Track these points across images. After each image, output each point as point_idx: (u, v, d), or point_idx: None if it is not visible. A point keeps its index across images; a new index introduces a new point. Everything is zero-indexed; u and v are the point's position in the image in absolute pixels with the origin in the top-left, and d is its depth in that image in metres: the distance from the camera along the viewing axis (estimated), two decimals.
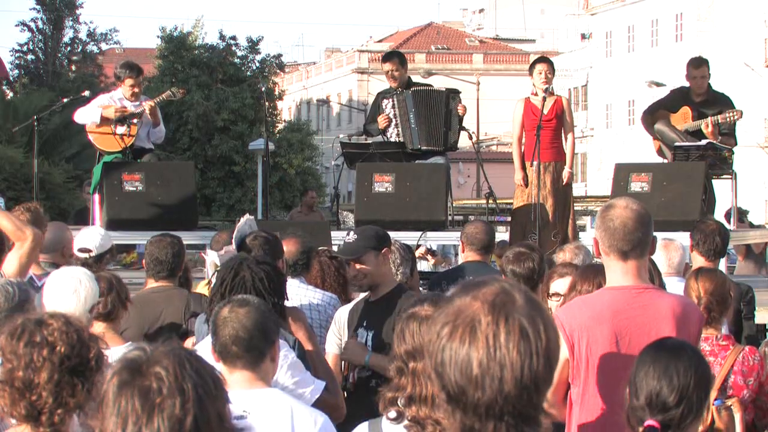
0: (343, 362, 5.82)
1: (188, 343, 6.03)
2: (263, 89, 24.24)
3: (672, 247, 7.09)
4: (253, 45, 44.89)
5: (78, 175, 33.70)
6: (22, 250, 6.19)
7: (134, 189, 10.29)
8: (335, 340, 5.97)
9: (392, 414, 3.24)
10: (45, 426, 3.13)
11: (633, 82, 52.32)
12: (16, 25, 49.70)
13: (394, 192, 10.37)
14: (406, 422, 3.06)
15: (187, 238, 10.43)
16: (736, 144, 10.84)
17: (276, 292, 4.58)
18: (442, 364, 2.24)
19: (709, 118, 10.51)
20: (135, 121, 10.71)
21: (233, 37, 44.74)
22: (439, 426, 2.90)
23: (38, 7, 48.39)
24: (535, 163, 10.18)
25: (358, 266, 5.75)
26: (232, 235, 6.45)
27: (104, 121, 10.66)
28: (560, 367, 4.24)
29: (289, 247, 6.48)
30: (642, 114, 11.27)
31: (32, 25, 48.62)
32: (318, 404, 4.39)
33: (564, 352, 4.24)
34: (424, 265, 11.53)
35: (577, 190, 10.54)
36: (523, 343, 2.20)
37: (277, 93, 45.40)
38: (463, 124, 11.28)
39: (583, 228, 16.15)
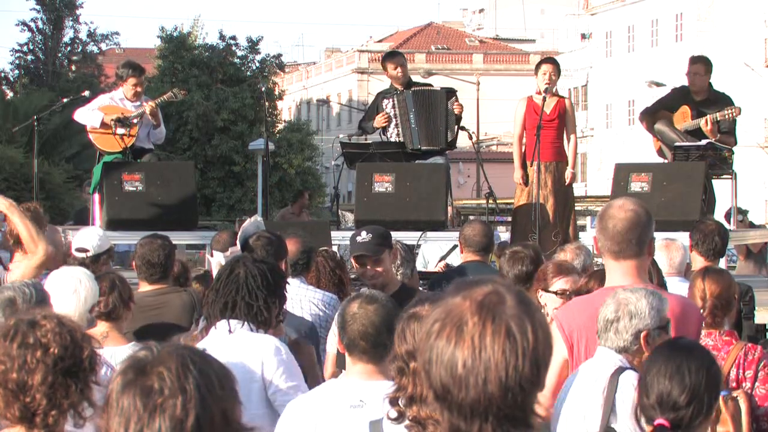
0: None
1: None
2: (263, 89, 24.26)
3: (673, 247, 7.09)
4: (253, 45, 44.90)
5: (78, 175, 33.71)
6: (31, 263, 6.23)
7: (134, 189, 10.28)
8: (334, 340, 5.96)
9: (393, 414, 3.24)
10: (39, 427, 3.13)
11: (633, 82, 52.32)
12: (16, 25, 49.75)
13: (394, 192, 10.37)
14: (407, 422, 3.06)
15: (187, 238, 10.50)
16: (736, 143, 10.83)
17: (269, 290, 4.57)
18: (430, 363, 2.24)
19: (708, 116, 10.50)
20: (135, 121, 10.70)
21: (233, 37, 44.77)
22: (440, 426, 2.90)
23: (38, 7, 48.41)
24: (535, 162, 10.18)
25: (376, 265, 5.79)
26: (232, 235, 6.46)
27: (104, 126, 10.66)
28: (560, 367, 4.25)
29: (289, 247, 6.48)
30: (642, 113, 11.26)
31: (32, 25, 48.67)
32: None
33: (563, 353, 4.24)
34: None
35: (577, 190, 10.57)
36: (508, 344, 2.19)
37: (277, 93, 45.40)
38: (463, 124, 11.28)
39: (583, 228, 16.14)
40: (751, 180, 39.18)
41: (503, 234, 13.84)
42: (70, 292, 5.06)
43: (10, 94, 45.48)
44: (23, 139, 32.90)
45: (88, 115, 10.79)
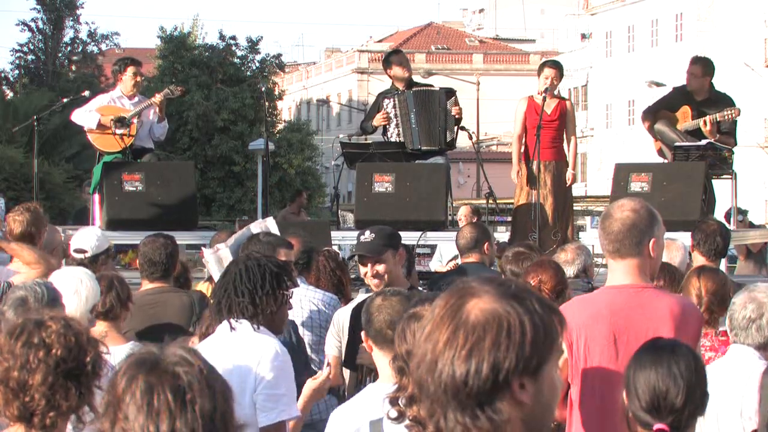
0: (345, 369, 5.81)
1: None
2: (263, 89, 24.24)
3: (673, 247, 7.10)
4: (253, 45, 44.91)
5: (78, 175, 33.72)
6: (36, 273, 6.25)
7: (134, 189, 10.28)
8: (335, 342, 5.96)
9: (393, 414, 3.24)
10: (37, 428, 3.12)
11: (633, 82, 52.32)
12: (16, 25, 49.81)
13: (394, 192, 10.37)
14: (407, 422, 3.06)
15: (187, 238, 10.48)
16: (736, 143, 10.83)
17: (255, 285, 4.56)
18: (423, 360, 2.25)
19: (708, 117, 10.51)
20: (134, 120, 10.70)
21: (233, 37, 44.78)
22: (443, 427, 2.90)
23: (38, 7, 48.43)
24: (535, 162, 10.19)
25: (377, 266, 5.76)
26: (231, 236, 6.46)
27: (101, 127, 10.66)
28: (561, 366, 4.25)
29: None
30: (642, 113, 11.26)
31: (32, 25, 48.69)
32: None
33: (564, 352, 4.25)
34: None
35: (577, 190, 10.55)
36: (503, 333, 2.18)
37: (277, 93, 45.42)
38: (463, 124, 11.28)
39: (582, 228, 16.17)
40: (751, 180, 39.18)
41: (503, 234, 13.83)
42: (71, 292, 5.06)
43: (10, 94, 45.51)
44: (23, 139, 32.91)
45: (85, 117, 10.79)
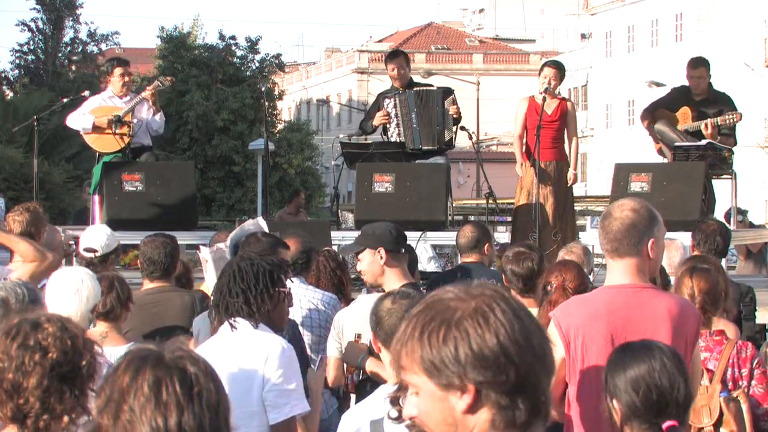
0: (345, 365, 5.81)
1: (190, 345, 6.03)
2: (263, 89, 24.25)
3: (672, 247, 7.10)
4: (253, 45, 44.89)
5: (78, 175, 33.72)
6: (38, 268, 6.24)
7: (134, 189, 10.28)
8: (335, 344, 5.96)
9: (394, 413, 3.23)
10: (30, 430, 3.12)
11: (633, 82, 52.32)
12: (16, 25, 49.77)
13: (394, 192, 10.37)
14: (407, 422, 3.06)
15: (187, 238, 10.47)
16: (735, 144, 10.84)
17: (249, 284, 4.56)
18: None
19: (709, 120, 10.51)
20: (128, 118, 10.69)
21: (233, 37, 44.76)
22: None
23: (38, 7, 48.40)
24: (535, 162, 10.19)
25: (357, 263, 5.83)
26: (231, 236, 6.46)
27: (97, 128, 10.66)
28: (558, 365, 4.26)
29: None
30: (642, 113, 11.26)
31: (32, 25, 48.65)
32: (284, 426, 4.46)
33: (561, 351, 4.25)
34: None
35: (577, 190, 10.55)
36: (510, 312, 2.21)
37: (276, 93, 45.40)
38: (463, 124, 11.28)
39: (582, 228, 16.17)
40: (751, 180, 39.17)
41: (504, 235, 13.82)
42: (72, 292, 5.06)
43: (10, 94, 45.50)
44: (23, 139, 32.92)
45: (79, 120, 10.79)
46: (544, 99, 10.20)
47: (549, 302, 5.40)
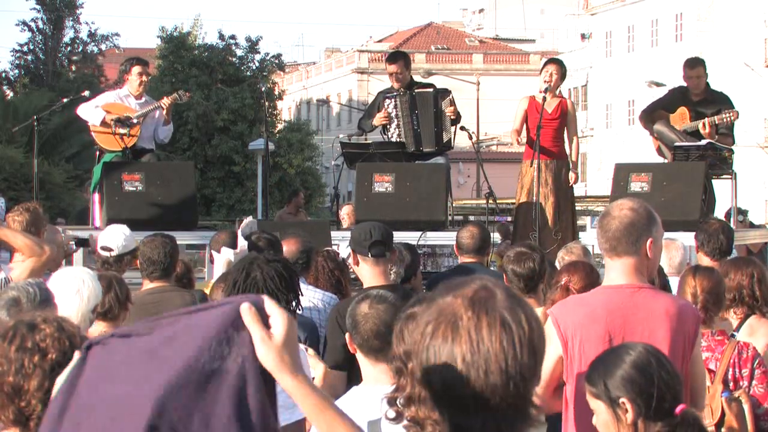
0: None
1: None
2: (263, 89, 24.24)
3: (673, 247, 7.10)
4: (253, 45, 44.89)
5: (78, 175, 33.74)
6: (37, 264, 6.23)
7: (134, 189, 10.28)
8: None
9: (391, 414, 3.23)
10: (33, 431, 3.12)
11: (633, 82, 52.32)
12: (16, 25, 49.82)
13: (394, 192, 10.37)
14: (405, 422, 3.05)
15: (187, 238, 10.48)
16: (734, 143, 10.84)
17: (288, 289, 4.60)
18: (428, 363, 2.25)
19: (707, 119, 10.51)
20: (136, 120, 10.71)
21: (232, 37, 44.75)
22: (438, 426, 2.90)
23: (38, 7, 48.43)
24: (535, 161, 10.19)
25: None
26: (230, 235, 6.47)
27: (105, 125, 10.67)
28: (554, 363, 4.27)
29: (289, 247, 6.49)
30: (640, 113, 11.27)
31: (32, 25, 48.70)
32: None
33: (558, 350, 4.25)
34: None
35: (577, 190, 10.54)
36: (505, 334, 2.21)
37: (277, 93, 45.40)
38: (463, 124, 11.27)
39: (583, 228, 16.17)
40: (751, 180, 39.17)
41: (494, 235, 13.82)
42: (73, 292, 5.05)
43: (10, 94, 45.51)
44: (23, 139, 32.92)
45: (90, 112, 10.79)
46: (544, 98, 10.21)
47: (551, 301, 5.41)
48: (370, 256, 5.81)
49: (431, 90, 11.14)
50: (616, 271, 4.32)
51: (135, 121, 10.68)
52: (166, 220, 9.97)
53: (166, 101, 10.80)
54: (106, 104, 10.80)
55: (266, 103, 37.51)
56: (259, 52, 45.30)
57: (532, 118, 10.34)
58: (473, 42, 75.48)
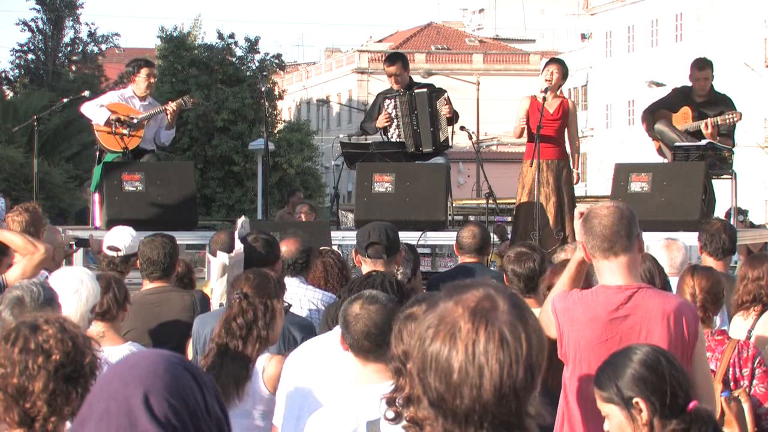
0: None
1: (188, 345, 6.03)
2: (263, 89, 24.23)
3: (674, 247, 7.09)
4: (253, 45, 44.87)
5: (78, 175, 33.72)
6: (31, 262, 6.23)
7: (134, 189, 10.28)
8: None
9: (390, 414, 3.23)
10: None
11: (633, 82, 52.32)
12: (16, 25, 49.80)
13: (394, 192, 10.36)
14: (404, 423, 3.05)
15: (187, 238, 10.48)
16: (734, 145, 10.84)
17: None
18: (424, 369, 2.23)
19: (709, 119, 10.51)
20: (141, 123, 10.70)
21: (232, 36, 44.72)
22: (434, 430, 2.90)
23: (38, 7, 48.41)
24: (535, 161, 10.18)
25: None
26: (230, 236, 6.46)
27: (109, 124, 10.67)
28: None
29: (289, 247, 6.49)
30: (642, 113, 11.26)
31: (32, 25, 48.66)
32: None
33: (551, 332, 4.28)
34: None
35: (577, 190, 10.53)
36: (502, 351, 2.17)
37: (276, 93, 45.38)
38: (463, 124, 11.27)
39: None
40: (751, 180, 39.17)
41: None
42: (72, 292, 5.05)
43: (10, 94, 45.50)
44: (23, 139, 32.90)
45: (94, 111, 10.79)
46: (545, 98, 10.20)
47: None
48: (367, 256, 5.82)
49: (426, 90, 11.13)
50: (612, 272, 4.32)
51: (139, 123, 10.67)
52: (166, 220, 9.97)
53: (172, 106, 10.79)
54: (111, 104, 10.80)
55: (266, 103, 37.48)
56: (258, 52, 45.29)
57: (534, 118, 10.33)
58: (473, 42, 75.48)
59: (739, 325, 6.01)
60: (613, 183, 10.65)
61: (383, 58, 11.66)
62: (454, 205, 12.55)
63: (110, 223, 10.01)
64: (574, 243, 7.87)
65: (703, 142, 10.47)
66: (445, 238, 10.49)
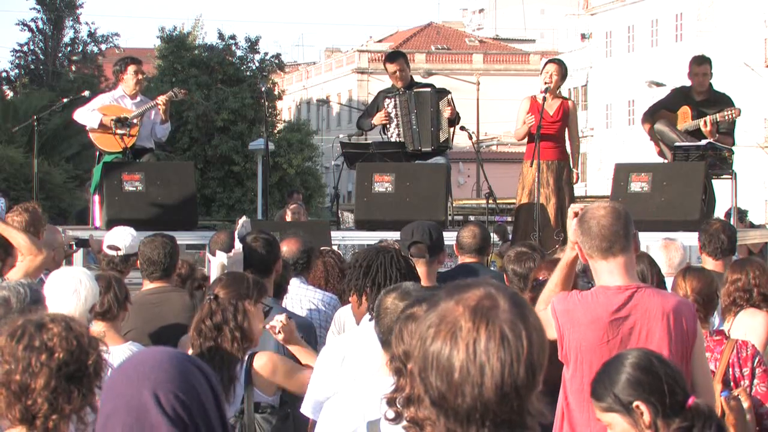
0: None
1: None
2: (263, 89, 24.22)
3: (672, 247, 7.10)
4: (253, 45, 44.86)
5: (78, 175, 33.69)
6: (32, 264, 6.24)
7: (134, 189, 10.28)
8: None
9: (390, 414, 3.23)
10: (39, 430, 3.12)
11: (633, 82, 52.32)
12: (16, 25, 49.77)
13: (394, 192, 10.37)
14: (404, 423, 3.05)
15: (187, 238, 10.48)
16: (734, 143, 10.84)
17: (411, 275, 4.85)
18: (425, 369, 2.23)
19: (708, 117, 10.51)
20: (135, 121, 10.71)
21: (232, 37, 44.71)
22: (435, 428, 2.90)
23: (38, 7, 48.38)
24: (535, 162, 10.17)
25: None
26: (230, 236, 6.46)
27: (103, 126, 10.67)
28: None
29: (289, 247, 6.49)
30: (643, 115, 11.27)
31: (32, 25, 48.62)
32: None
33: (551, 333, 4.27)
34: None
35: (577, 190, 10.54)
36: (503, 349, 2.17)
37: (276, 93, 45.37)
38: (463, 124, 11.27)
39: None
40: (751, 180, 39.17)
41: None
42: (71, 292, 5.05)
43: (10, 94, 45.48)
44: (23, 139, 32.89)
45: (87, 116, 10.80)
46: (545, 99, 10.19)
47: (530, 299, 5.42)
48: (409, 255, 5.82)
49: (429, 90, 11.13)
50: (611, 272, 4.32)
51: (134, 121, 10.69)
52: (166, 220, 9.97)
53: (162, 99, 10.81)
54: (102, 107, 10.81)
55: (266, 103, 37.49)
56: (258, 52, 45.27)
57: (534, 119, 10.32)
58: (473, 42, 75.47)
59: (724, 328, 6.03)
60: (613, 183, 10.64)
61: (383, 58, 11.65)
62: (454, 205, 12.55)
63: (110, 223, 10.02)
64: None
65: (703, 142, 10.47)
66: (446, 238, 10.47)
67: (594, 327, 4.27)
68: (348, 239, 11.35)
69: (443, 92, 11.14)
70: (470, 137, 12.29)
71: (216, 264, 6.19)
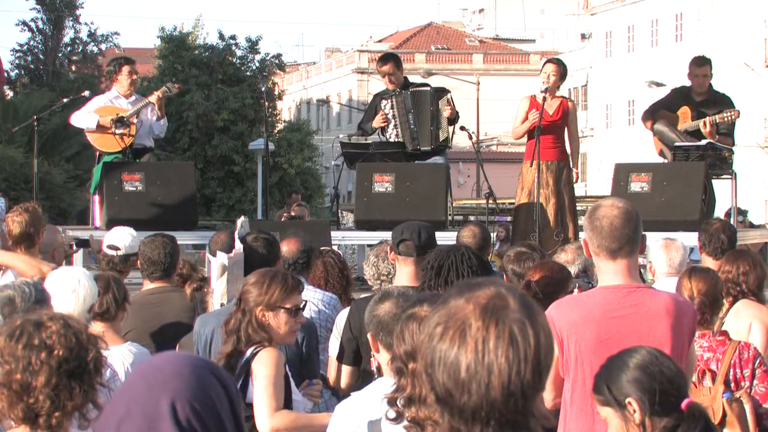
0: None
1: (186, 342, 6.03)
2: (263, 89, 24.22)
3: (673, 247, 7.10)
4: (253, 45, 44.88)
5: (78, 175, 33.70)
6: (40, 275, 6.25)
7: (134, 189, 10.29)
8: (337, 344, 5.96)
9: (391, 414, 3.23)
10: (42, 428, 3.13)
11: (633, 82, 52.32)
12: (16, 25, 49.79)
13: (394, 192, 10.37)
14: (405, 423, 3.05)
15: (187, 238, 10.49)
16: (733, 144, 10.85)
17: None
18: (432, 366, 2.23)
19: (707, 118, 10.52)
20: (134, 120, 10.72)
21: (233, 37, 44.73)
22: (438, 427, 2.90)
23: (38, 7, 48.38)
24: (535, 162, 10.17)
25: None
26: (230, 236, 6.46)
27: (101, 127, 10.68)
28: (554, 363, 4.27)
29: (289, 247, 6.49)
30: (642, 114, 11.27)
31: (32, 25, 48.63)
32: None
33: (555, 350, 4.27)
34: None
35: (577, 190, 10.55)
36: (511, 349, 2.18)
37: (276, 93, 45.38)
38: (463, 124, 11.27)
39: (582, 228, 16.21)
40: (751, 180, 39.17)
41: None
42: (69, 292, 5.06)
43: (10, 94, 45.48)
44: (23, 139, 32.89)
45: (83, 118, 10.81)
46: (545, 99, 10.18)
47: None
48: (398, 253, 5.81)
49: (428, 89, 11.14)
50: (615, 273, 4.31)
51: (130, 119, 10.69)
52: (166, 220, 9.98)
53: (155, 95, 10.82)
54: (98, 108, 10.82)
55: (266, 103, 37.49)
56: (259, 52, 45.29)
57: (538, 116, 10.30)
58: (473, 42, 75.46)
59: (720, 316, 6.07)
60: (613, 183, 10.65)
61: (377, 60, 11.65)
62: (454, 205, 12.56)
63: (110, 224, 10.02)
64: (575, 243, 7.89)
65: (703, 142, 10.47)
66: (445, 238, 10.47)
67: (591, 326, 4.27)
68: (348, 239, 11.36)
69: (442, 91, 11.14)
70: (470, 137, 12.30)
71: (216, 264, 6.19)
